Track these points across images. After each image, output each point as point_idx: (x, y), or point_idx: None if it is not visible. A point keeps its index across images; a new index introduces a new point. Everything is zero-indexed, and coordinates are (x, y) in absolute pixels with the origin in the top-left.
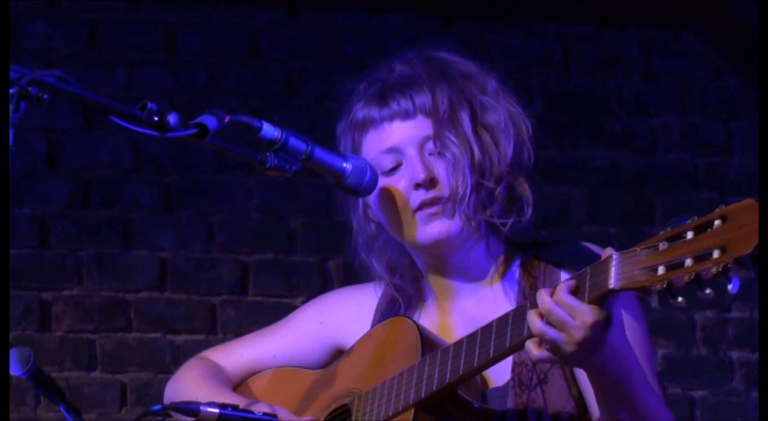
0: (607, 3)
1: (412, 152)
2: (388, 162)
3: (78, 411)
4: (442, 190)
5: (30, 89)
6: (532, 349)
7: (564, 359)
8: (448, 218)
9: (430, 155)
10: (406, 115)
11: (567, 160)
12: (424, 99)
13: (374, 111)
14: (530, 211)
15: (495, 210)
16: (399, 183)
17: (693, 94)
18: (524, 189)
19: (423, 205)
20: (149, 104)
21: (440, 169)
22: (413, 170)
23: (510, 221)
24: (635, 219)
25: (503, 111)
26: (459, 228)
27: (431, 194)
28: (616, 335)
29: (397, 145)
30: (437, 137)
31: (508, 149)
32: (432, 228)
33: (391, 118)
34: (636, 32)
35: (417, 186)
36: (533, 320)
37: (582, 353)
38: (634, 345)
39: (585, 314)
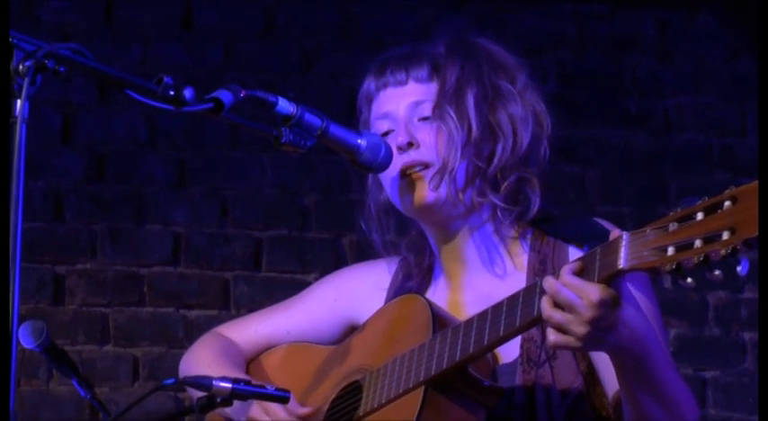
0: None
1: (398, 116)
2: (381, 128)
3: (91, 385)
4: (424, 154)
5: (46, 62)
6: (550, 334)
7: (579, 341)
8: (431, 183)
9: (419, 120)
10: (398, 83)
11: (581, 140)
12: (419, 70)
13: (372, 84)
14: (535, 209)
15: (500, 197)
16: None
17: (709, 74)
18: (534, 185)
19: (405, 169)
20: (165, 78)
21: (426, 135)
22: (396, 134)
23: (514, 213)
24: (649, 200)
25: (525, 104)
26: (443, 196)
27: (410, 157)
28: (631, 313)
29: (388, 110)
30: (437, 106)
31: (524, 140)
32: (415, 193)
33: (385, 86)
34: (652, 12)
35: (399, 149)
36: (543, 305)
37: (595, 333)
38: None
39: (591, 292)
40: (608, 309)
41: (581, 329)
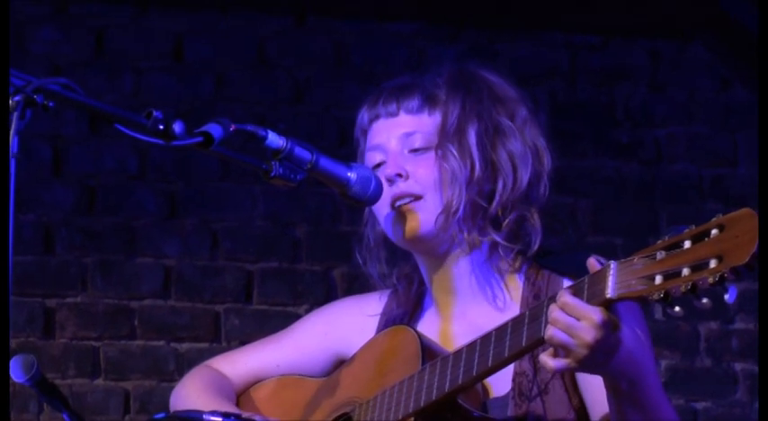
0: (615, 13)
1: (389, 148)
2: (373, 159)
3: (81, 418)
4: (413, 186)
5: (35, 97)
6: (548, 361)
7: (580, 364)
8: (421, 215)
9: (409, 152)
10: (389, 114)
11: (572, 170)
12: (410, 101)
13: (366, 115)
14: (536, 245)
15: (501, 235)
16: (381, 180)
17: (700, 104)
18: (535, 222)
19: (395, 199)
20: (155, 112)
21: (416, 167)
22: (386, 165)
23: (514, 250)
24: (640, 230)
25: (525, 141)
26: (437, 229)
27: (400, 189)
28: (630, 338)
29: (379, 142)
30: (439, 145)
31: (524, 178)
32: (406, 225)
33: (377, 117)
34: (643, 43)
35: (389, 181)
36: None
37: (596, 355)
38: None
39: (592, 313)
40: (609, 332)
41: (583, 351)
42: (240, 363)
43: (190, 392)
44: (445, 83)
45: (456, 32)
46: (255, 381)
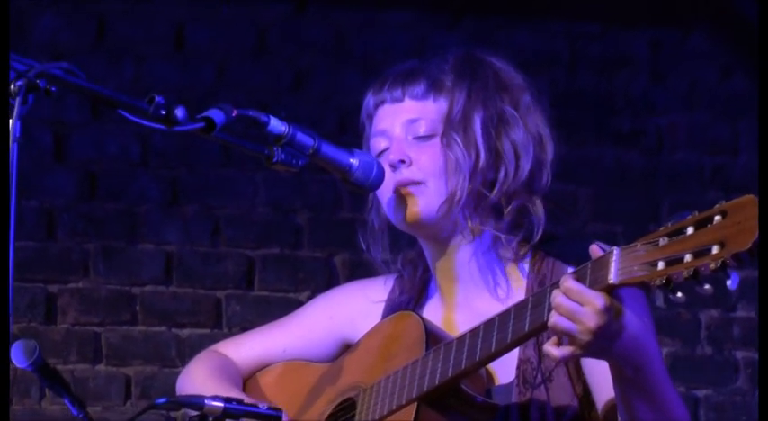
0: (615, 1)
1: (393, 134)
2: (378, 145)
3: (83, 404)
4: (416, 173)
5: (38, 81)
6: (552, 350)
7: (584, 350)
8: (421, 200)
9: (413, 139)
10: (394, 100)
11: (573, 159)
12: (415, 87)
13: (371, 100)
14: (539, 235)
15: (502, 224)
16: (385, 166)
17: (701, 93)
18: (537, 210)
19: (398, 186)
20: (157, 98)
21: (419, 154)
22: (390, 151)
23: (516, 239)
24: (641, 219)
25: (528, 129)
26: (437, 212)
27: (403, 175)
28: (634, 323)
29: (384, 128)
30: (444, 134)
31: (526, 166)
32: (407, 209)
33: (382, 102)
34: (644, 31)
35: (392, 167)
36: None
37: (600, 341)
38: None
39: (595, 298)
40: (612, 318)
41: (586, 337)
42: (246, 348)
43: (196, 377)
44: (451, 69)
45: (456, 21)
46: (262, 366)
